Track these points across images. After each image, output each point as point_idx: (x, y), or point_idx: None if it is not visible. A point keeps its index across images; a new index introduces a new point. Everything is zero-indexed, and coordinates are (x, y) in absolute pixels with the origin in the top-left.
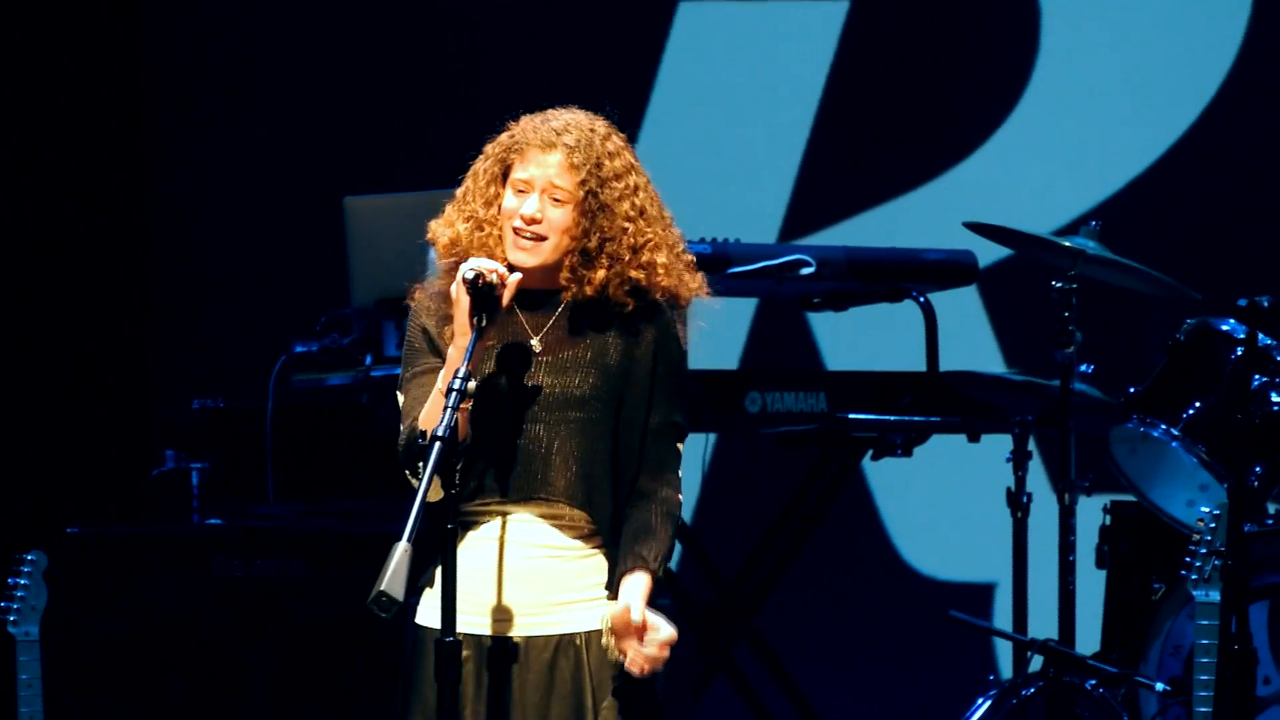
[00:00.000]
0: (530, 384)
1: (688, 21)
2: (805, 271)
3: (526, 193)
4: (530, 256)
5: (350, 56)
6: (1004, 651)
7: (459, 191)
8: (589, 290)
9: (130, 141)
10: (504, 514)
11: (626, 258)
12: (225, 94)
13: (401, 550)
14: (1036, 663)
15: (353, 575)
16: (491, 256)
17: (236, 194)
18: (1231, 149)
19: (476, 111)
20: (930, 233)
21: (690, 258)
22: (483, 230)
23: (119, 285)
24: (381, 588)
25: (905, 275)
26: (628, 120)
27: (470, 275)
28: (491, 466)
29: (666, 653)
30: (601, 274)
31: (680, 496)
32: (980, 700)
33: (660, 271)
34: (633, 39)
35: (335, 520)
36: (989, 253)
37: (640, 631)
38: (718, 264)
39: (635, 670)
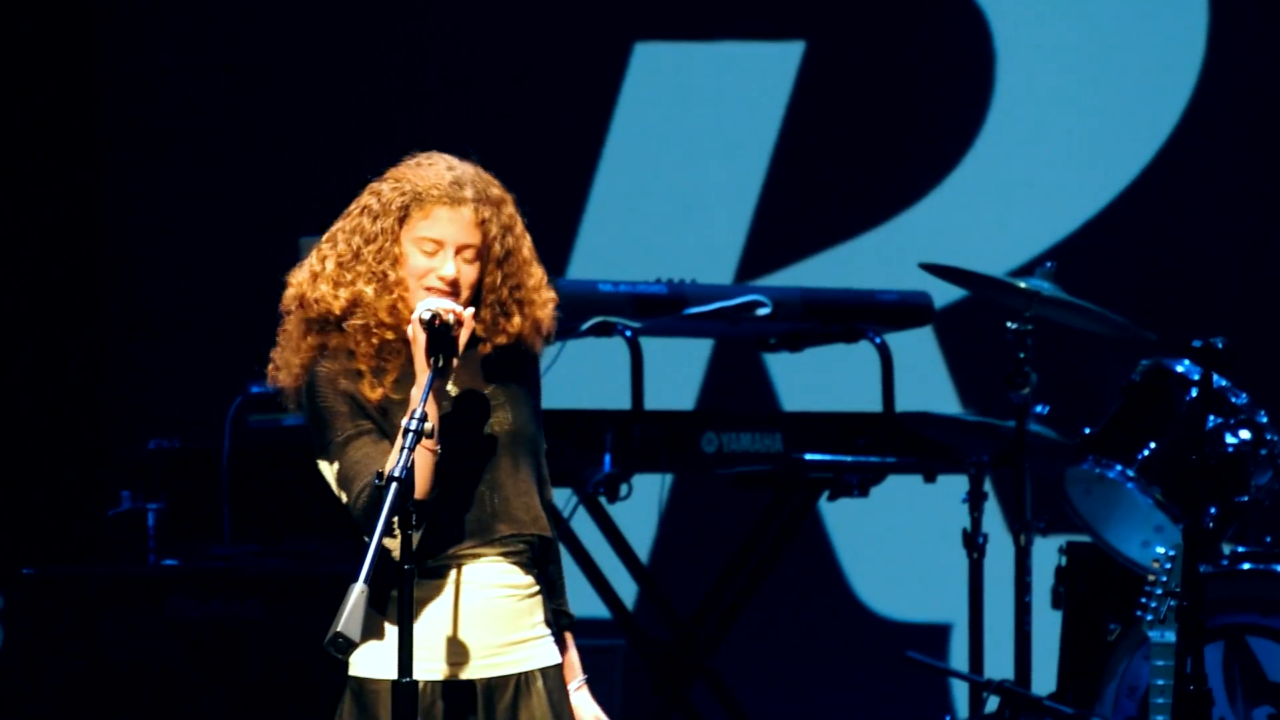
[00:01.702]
0: (474, 428)
1: (644, 62)
2: (761, 312)
3: (435, 252)
4: None
5: (304, 96)
6: (960, 692)
7: (344, 248)
8: (505, 340)
9: (84, 180)
10: (466, 559)
11: (534, 300)
12: (180, 132)
13: (358, 591)
14: (993, 703)
15: (309, 616)
16: (396, 316)
17: (192, 234)
18: (1186, 190)
19: (431, 151)
20: (886, 274)
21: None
22: (391, 293)
23: (74, 324)
24: (338, 629)
25: (861, 316)
26: (584, 160)
27: (427, 315)
28: (451, 514)
29: None
30: (518, 321)
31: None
32: None
33: (552, 306)
34: (589, 79)
35: (291, 561)
36: (944, 294)
37: None
38: (674, 304)
39: None
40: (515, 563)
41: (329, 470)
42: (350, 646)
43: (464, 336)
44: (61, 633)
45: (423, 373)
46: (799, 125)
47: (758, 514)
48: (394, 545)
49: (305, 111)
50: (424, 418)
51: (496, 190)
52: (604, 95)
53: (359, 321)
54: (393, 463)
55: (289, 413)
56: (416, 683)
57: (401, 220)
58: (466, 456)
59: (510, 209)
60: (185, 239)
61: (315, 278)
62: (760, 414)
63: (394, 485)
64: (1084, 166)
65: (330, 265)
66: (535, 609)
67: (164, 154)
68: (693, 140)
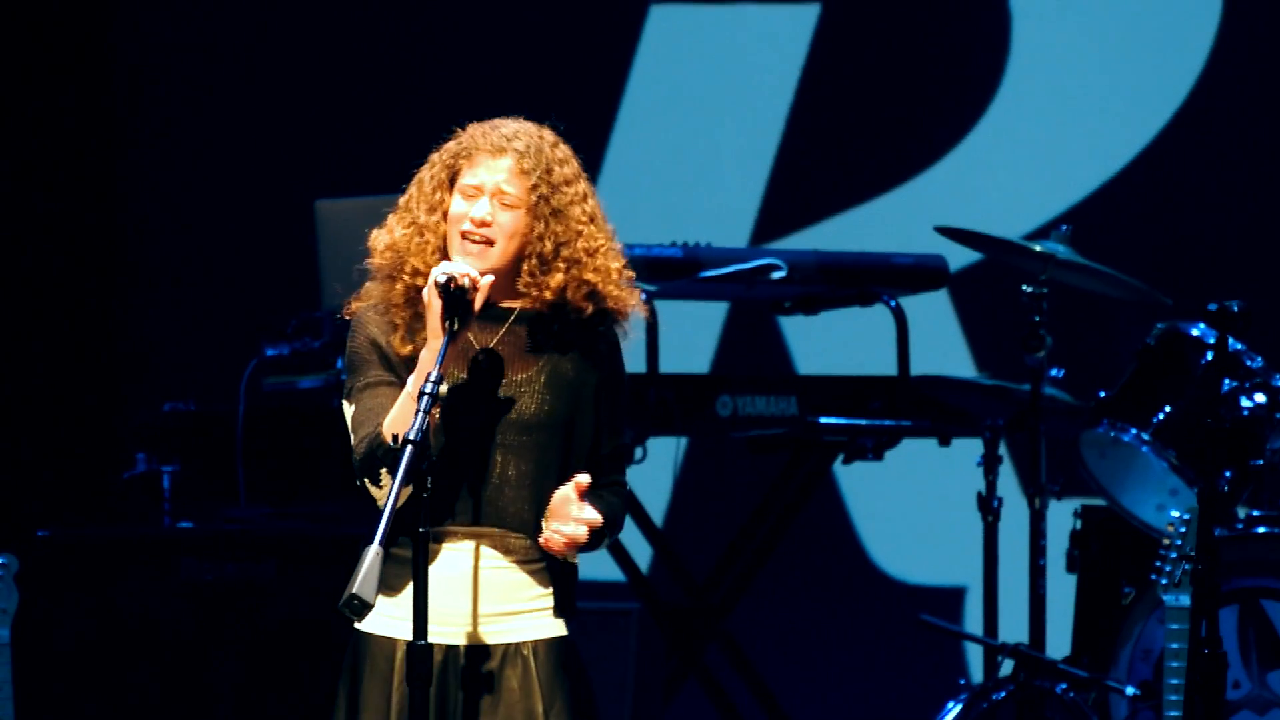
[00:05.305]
0: (482, 406)
1: (659, 25)
2: (776, 275)
3: (476, 197)
4: (477, 261)
5: (321, 59)
6: (975, 655)
7: (402, 199)
8: (548, 295)
9: (99, 144)
10: (453, 534)
11: (583, 260)
12: (196, 97)
13: (373, 553)
14: (1007, 667)
15: (323, 578)
16: (427, 263)
17: (208, 197)
18: (1202, 154)
19: (448, 115)
20: (901, 237)
21: (630, 274)
22: (421, 236)
23: (89, 288)
24: (353, 590)
25: (876, 279)
26: (599, 124)
27: (442, 279)
28: (442, 489)
29: (584, 532)
30: (559, 278)
31: (628, 488)
32: (951, 704)
33: (615, 275)
34: (604, 42)
35: (306, 523)
36: (960, 257)
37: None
38: (689, 267)
39: (551, 545)
40: (503, 549)
41: (347, 411)
42: (365, 608)
43: (479, 300)
44: (76, 595)
45: (437, 336)
46: (814, 88)
47: (772, 477)
48: (380, 496)
49: (322, 74)
50: (439, 380)
51: (558, 151)
52: (619, 58)
53: (384, 263)
54: (391, 423)
55: (304, 375)
56: (431, 645)
57: (450, 170)
58: (468, 433)
59: (568, 170)
60: (202, 202)
61: (382, 229)
62: (775, 377)
63: (410, 448)
64: (1100, 129)
65: (391, 216)
66: (535, 583)
67: (180, 116)
68: (708, 103)
